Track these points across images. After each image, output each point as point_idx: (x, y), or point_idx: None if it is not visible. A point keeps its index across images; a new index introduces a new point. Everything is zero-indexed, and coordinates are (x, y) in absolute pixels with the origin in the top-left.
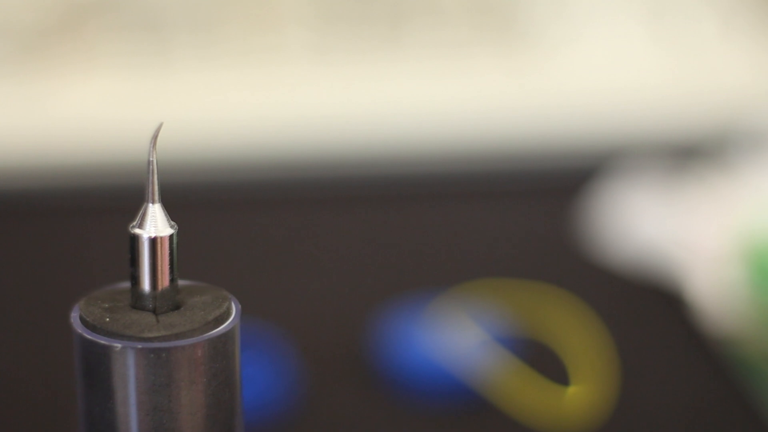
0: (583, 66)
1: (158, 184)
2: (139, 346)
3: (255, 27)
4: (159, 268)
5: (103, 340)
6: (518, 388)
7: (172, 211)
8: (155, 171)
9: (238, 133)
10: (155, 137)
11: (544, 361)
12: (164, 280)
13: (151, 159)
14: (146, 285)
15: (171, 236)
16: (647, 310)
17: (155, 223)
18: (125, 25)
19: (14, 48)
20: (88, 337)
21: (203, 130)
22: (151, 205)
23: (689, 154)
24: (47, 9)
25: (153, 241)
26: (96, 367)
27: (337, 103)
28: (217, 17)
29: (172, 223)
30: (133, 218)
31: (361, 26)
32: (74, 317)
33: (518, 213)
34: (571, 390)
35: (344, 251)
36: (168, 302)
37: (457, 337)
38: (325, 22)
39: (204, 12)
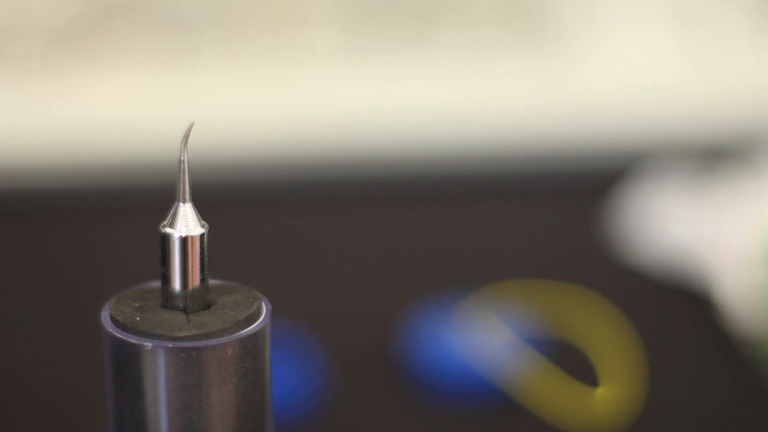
0: (612, 67)
1: (189, 184)
2: (170, 346)
3: (282, 26)
4: (190, 267)
5: (133, 340)
6: (546, 388)
7: (202, 210)
8: (186, 170)
9: (266, 132)
10: (186, 137)
11: (573, 362)
12: (195, 280)
13: (182, 158)
14: (177, 284)
15: (202, 236)
16: (675, 311)
17: (186, 223)
18: (153, 23)
19: (43, 46)
20: (119, 336)
21: (230, 129)
22: (182, 204)
23: (718, 156)
24: (76, 8)
25: (184, 241)
26: (126, 366)
27: (365, 103)
28: (245, 16)
29: (203, 222)
30: (163, 217)
31: (389, 27)
32: (105, 316)
33: (547, 214)
34: (600, 391)
35: (373, 251)
36: (198, 302)
37: (486, 337)
38: (353, 22)
39: (232, 11)
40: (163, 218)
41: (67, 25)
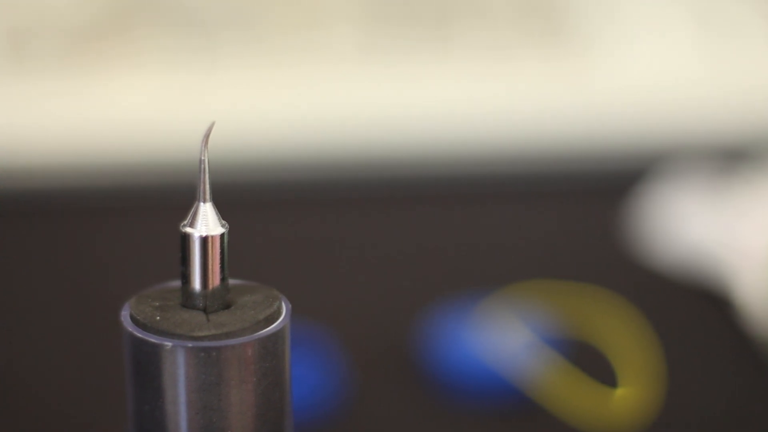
0: (630, 68)
1: (209, 183)
2: (190, 345)
3: (302, 25)
4: (210, 267)
5: (153, 339)
6: (565, 389)
7: (222, 209)
8: (207, 170)
9: (285, 132)
10: (207, 136)
11: (592, 363)
12: (215, 279)
13: (202, 158)
14: (197, 284)
15: (222, 235)
16: (694, 312)
17: (206, 222)
18: (172, 23)
19: (61, 46)
20: (139, 335)
21: (248, 129)
22: (202, 204)
23: (736, 157)
24: (95, 8)
25: (204, 240)
26: (146, 365)
27: (384, 103)
28: (264, 15)
29: (223, 222)
30: (183, 217)
31: (407, 26)
32: (124, 316)
33: (565, 215)
34: (619, 392)
35: (393, 251)
36: (218, 301)
37: (505, 338)
38: (372, 22)
39: (251, 9)
40: (183, 218)
41: (85, 24)
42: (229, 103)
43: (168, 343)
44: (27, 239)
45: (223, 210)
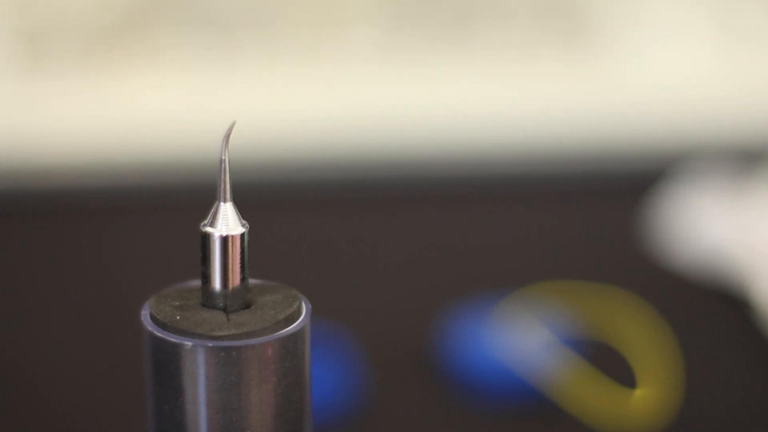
0: (651, 69)
1: (230, 183)
2: (210, 345)
3: (321, 25)
4: (230, 266)
5: (173, 338)
6: (584, 390)
7: (242, 209)
8: (227, 170)
9: (305, 131)
10: (228, 136)
11: (610, 364)
12: (235, 279)
13: (223, 158)
14: (217, 283)
15: (242, 235)
16: (713, 313)
17: (227, 222)
18: (191, 22)
19: (81, 46)
20: (159, 335)
21: (268, 128)
22: (222, 203)
23: (756, 158)
24: (114, 7)
25: (224, 240)
26: (166, 365)
27: (403, 103)
28: (284, 14)
29: (244, 222)
30: (203, 217)
31: (428, 26)
32: (144, 315)
33: (585, 215)
34: (637, 393)
35: (412, 251)
36: (239, 301)
37: (524, 338)
38: (392, 22)
39: (270, 9)
40: (203, 218)
41: (103, 24)
42: (248, 102)
43: (188, 343)
44: (48, 238)
45: (243, 210)
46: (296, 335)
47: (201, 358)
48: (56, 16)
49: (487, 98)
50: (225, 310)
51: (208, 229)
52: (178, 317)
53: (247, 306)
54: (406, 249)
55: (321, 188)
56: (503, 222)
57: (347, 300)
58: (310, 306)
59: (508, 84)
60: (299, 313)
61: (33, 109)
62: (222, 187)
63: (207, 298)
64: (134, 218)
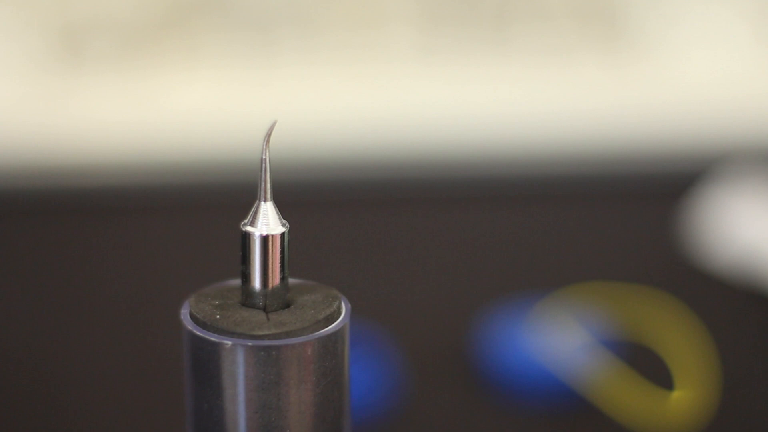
0: (688, 70)
1: (270, 182)
2: (250, 344)
3: (359, 25)
4: (270, 266)
5: (213, 338)
6: (621, 391)
7: (281, 208)
8: (268, 169)
9: (343, 131)
10: (269, 135)
11: (648, 365)
12: (275, 278)
13: (264, 157)
14: (257, 283)
15: (282, 234)
16: (750, 315)
17: (267, 221)
18: (229, 21)
19: (120, 44)
20: (198, 334)
21: (305, 127)
22: (263, 203)
23: None
24: (152, 6)
25: (264, 239)
26: (205, 364)
27: (440, 103)
28: (322, 14)
29: (284, 221)
30: (243, 216)
31: (466, 27)
32: (184, 314)
33: (623, 217)
34: (675, 394)
35: (451, 252)
36: (278, 300)
37: (562, 339)
38: (430, 22)
39: (308, 9)
40: (243, 217)
41: (142, 20)
42: (285, 101)
43: (228, 342)
44: (91, 236)
45: (282, 209)
46: (336, 335)
47: (240, 357)
48: (95, 12)
49: (524, 99)
50: (265, 309)
51: (249, 229)
52: (218, 316)
53: (287, 305)
54: (446, 249)
55: (358, 187)
56: (542, 223)
57: (386, 300)
58: (349, 306)
59: (545, 86)
60: (339, 313)
61: (71, 105)
62: (262, 186)
63: (247, 297)
64: (172, 217)
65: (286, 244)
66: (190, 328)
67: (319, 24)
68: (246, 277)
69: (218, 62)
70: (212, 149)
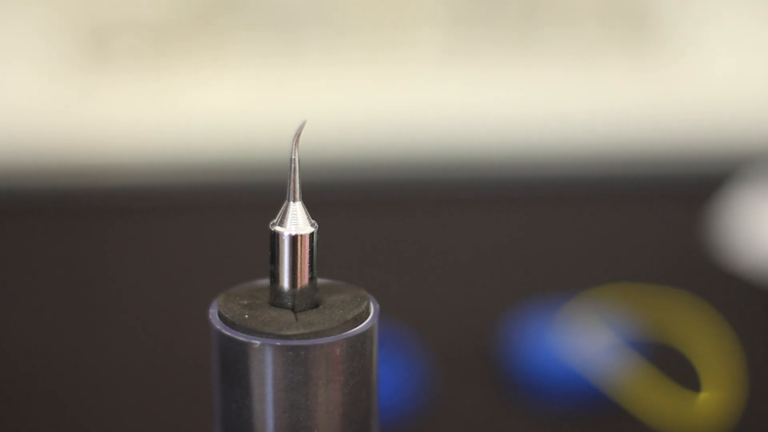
0: (716, 72)
1: (299, 182)
2: (278, 344)
3: (385, 25)
4: (299, 266)
5: (241, 337)
6: (648, 392)
7: (310, 208)
8: (297, 169)
9: (370, 131)
10: (298, 135)
11: (675, 367)
12: (304, 278)
13: (293, 157)
14: (286, 283)
15: (311, 234)
16: None
17: (296, 221)
18: (255, 21)
19: (146, 44)
20: (227, 333)
21: (330, 128)
22: (292, 203)
23: None
24: (178, 6)
25: (293, 239)
26: (234, 363)
27: (466, 104)
28: (347, 14)
29: (313, 221)
30: (272, 216)
31: (491, 29)
32: (213, 313)
33: (650, 218)
34: (702, 396)
35: (478, 253)
36: (307, 300)
37: (588, 340)
38: (455, 23)
39: (334, 9)
40: (272, 217)
41: (169, 20)
42: (311, 101)
43: (256, 342)
44: (117, 236)
45: (311, 209)
46: (364, 335)
47: (269, 357)
48: (122, 12)
49: (549, 101)
50: (293, 309)
51: (278, 228)
52: (247, 316)
53: (316, 305)
54: (473, 250)
55: (387, 188)
56: (569, 224)
57: (414, 300)
58: (378, 306)
59: (571, 87)
60: (367, 313)
61: (98, 107)
62: (291, 186)
63: (275, 297)
64: (198, 217)
65: (315, 244)
66: (218, 327)
67: (344, 24)
68: (275, 276)
69: (244, 62)
70: (238, 148)
